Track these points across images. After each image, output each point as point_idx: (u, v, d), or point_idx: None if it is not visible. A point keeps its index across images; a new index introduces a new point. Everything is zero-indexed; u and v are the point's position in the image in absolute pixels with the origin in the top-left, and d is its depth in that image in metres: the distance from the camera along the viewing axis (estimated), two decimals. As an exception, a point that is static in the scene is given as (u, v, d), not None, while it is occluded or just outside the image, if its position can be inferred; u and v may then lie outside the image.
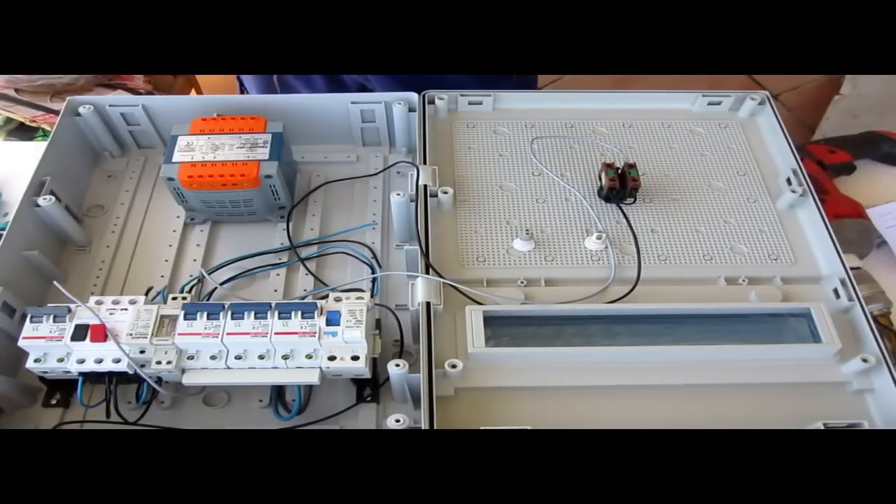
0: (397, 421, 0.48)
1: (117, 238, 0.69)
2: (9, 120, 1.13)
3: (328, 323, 0.52)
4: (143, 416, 0.55)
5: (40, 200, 0.62)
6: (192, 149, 0.65)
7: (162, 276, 0.65)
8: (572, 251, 0.60)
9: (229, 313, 0.53)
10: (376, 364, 0.56)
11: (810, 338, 0.54)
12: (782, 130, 0.69)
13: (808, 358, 0.53)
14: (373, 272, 0.65)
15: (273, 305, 0.53)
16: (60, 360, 0.52)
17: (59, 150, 0.68)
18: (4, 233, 0.59)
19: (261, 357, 0.53)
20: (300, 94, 0.72)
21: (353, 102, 0.72)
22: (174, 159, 0.64)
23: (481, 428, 0.47)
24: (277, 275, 0.66)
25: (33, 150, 0.86)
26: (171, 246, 0.68)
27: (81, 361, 0.52)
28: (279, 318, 0.53)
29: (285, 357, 0.53)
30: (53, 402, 0.57)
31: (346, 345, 0.53)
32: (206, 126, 0.66)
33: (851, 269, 0.57)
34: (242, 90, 0.94)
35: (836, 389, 0.53)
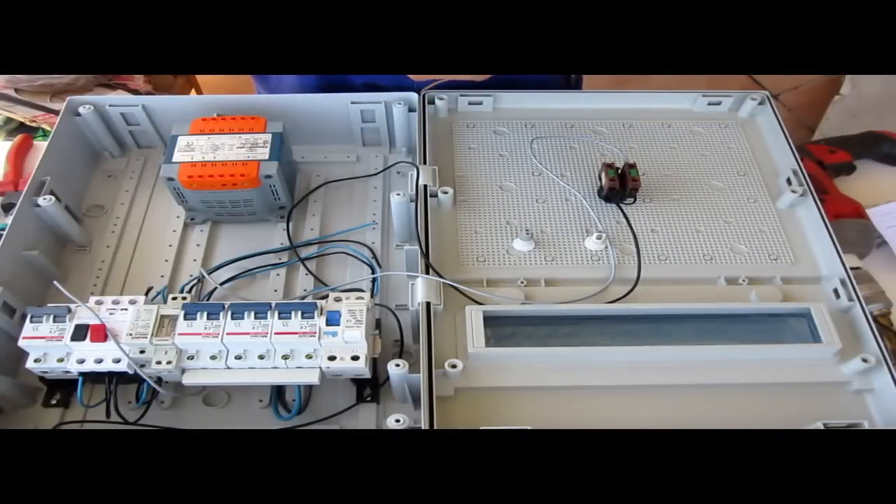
0: (397, 421, 0.48)
1: (117, 238, 0.69)
2: (9, 120, 1.12)
3: (328, 323, 0.52)
4: (143, 416, 0.55)
5: (40, 200, 0.62)
6: (192, 149, 0.65)
7: (162, 276, 0.65)
8: (572, 251, 0.60)
9: (229, 313, 0.53)
10: (376, 364, 0.56)
11: (810, 338, 0.54)
12: (782, 130, 0.69)
13: (808, 358, 0.53)
14: (373, 272, 0.65)
15: (273, 305, 0.53)
16: (60, 360, 0.52)
17: (59, 150, 0.68)
18: (4, 233, 0.59)
19: (261, 357, 0.53)
20: (300, 94, 0.72)
21: (353, 102, 0.72)
22: (174, 159, 0.64)
23: (481, 428, 0.47)
24: (277, 275, 0.66)
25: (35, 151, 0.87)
26: (171, 246, 0.68)
27: (81, 361, 0.52)
28: (279, 318, 0.53)
29: (285, 357, 0.53)
30: (53, 402, 0.57)
31: (346, 345, 0.53)
32: (206, 126, 0.66)
33: (851, 269, 0.57)
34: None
35: (836, 389, 0.53)
